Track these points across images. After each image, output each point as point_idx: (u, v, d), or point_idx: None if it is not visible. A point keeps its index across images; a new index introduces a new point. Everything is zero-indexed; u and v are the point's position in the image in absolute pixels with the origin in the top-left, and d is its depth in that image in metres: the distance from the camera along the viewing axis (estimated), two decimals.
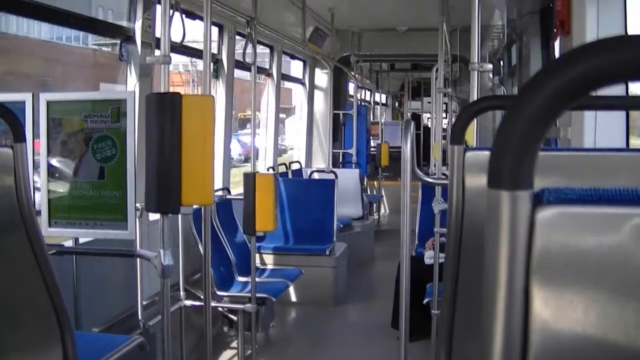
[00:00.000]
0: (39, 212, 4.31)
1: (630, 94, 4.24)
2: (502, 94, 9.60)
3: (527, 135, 0.76)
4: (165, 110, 3.89)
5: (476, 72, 4.16)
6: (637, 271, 0.85)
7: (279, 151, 9.63)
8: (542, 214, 0.83)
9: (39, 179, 4.50)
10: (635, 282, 0.86)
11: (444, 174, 6.27)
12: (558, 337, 0.86)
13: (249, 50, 6.46)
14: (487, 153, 2.33)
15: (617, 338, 0.86)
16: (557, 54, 6.43)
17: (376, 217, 14.16)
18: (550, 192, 0.84)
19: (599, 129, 4.26)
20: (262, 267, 8.22)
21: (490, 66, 4.55)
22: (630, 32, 4.51)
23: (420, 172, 4.06)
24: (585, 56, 0.74)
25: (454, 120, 13.95)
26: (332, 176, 10.32)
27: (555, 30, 5.46)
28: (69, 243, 4.85)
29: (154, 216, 5.39)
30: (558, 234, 0.84)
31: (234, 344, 6.88)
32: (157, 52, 4.32)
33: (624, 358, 0.87)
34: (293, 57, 11.46)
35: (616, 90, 3.86)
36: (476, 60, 4.14)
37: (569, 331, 0.86)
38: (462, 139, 2.24)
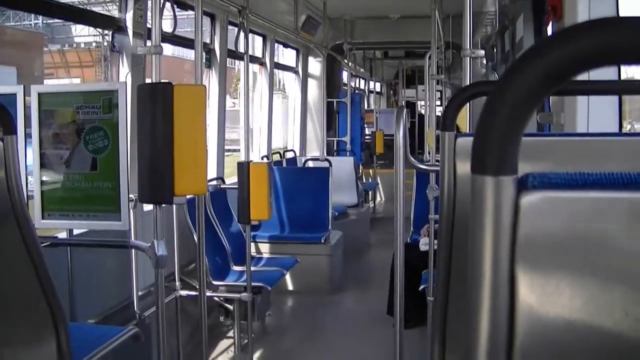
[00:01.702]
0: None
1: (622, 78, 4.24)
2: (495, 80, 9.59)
3: (511, 120, 0.76)
4: (157, 100, 3.88)
5: (468, 58, 4.16)
6: (623, 255, 0.85)
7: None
8: (526, 199, 0.82)
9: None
10: (621, 266, 0.85)
11: (438, 161, 6.26)
12: (544, 322, 0.86)
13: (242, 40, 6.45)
14: None
15: (603, 323, 0.86)
16: None
17: (372, 204, 14.17)
18: (535, 177, 0.84)
19: (592, 114, 4.26)
20: (257, 256, 8.22)
21: (482, 52, 4.55)
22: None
23: (413, 159, 4.07)
24: (568, 39, 0.73)
25: None
26: (326, 164, 10.32)
27: (547, 16, 5.45)
28: (62, 235, 4.84)
29: (148, 207, 5.39)
30: (543, 219, 0.83)
31: (230, 334, 6.89)
32: (148, 43, 4.30)
33: (610, 343, 0.87)
34: (286, 45, 11.43)
35: (608, 74, 3.86)
36: (468, 47, 4.14)
37: (555, 316, 0.86)
38: (453, 126, 2.24)
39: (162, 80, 4.03)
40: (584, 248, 0.85)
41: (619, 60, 0.73)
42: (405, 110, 3.50)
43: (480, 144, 0.78)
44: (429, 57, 7.64)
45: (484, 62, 10.59)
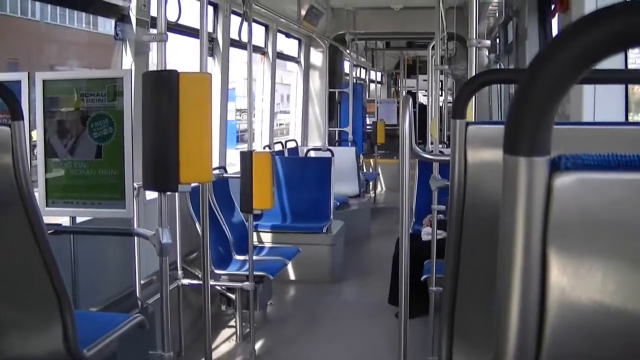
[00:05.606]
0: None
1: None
2: None
3: (545, 101, 0.75)
4: (162, 88, 3.86)
5: (474, 48, 4.15)
6: None
7: None
8: (559, 180, 0.82)
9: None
10: None
11: (440, 151, 6.25)
12: (576, 304, 0.85)
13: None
14: (489, 127, 2.32)
15: (635, 307, 0.85)
16: (554, 31, 6.40)
17: (372, 195, 14.16)
18: (568, 158, 0.83)
19: (598, 103, 4.24)
20: (259, 245, 8.22)
21: (488, 42, 4.54)
22: None
23: (418, 149, 4.05)
24: (600, 20, 0.72)
25: (449, 98, 13.97)
26: (328, 154, 10.32)
27: (552, 7, 5.44)
28: (66, 222, 4.83)
29: (150, 195, 5.38)
30: (575, 200, 0.83)
31: (232, 323, 6.88)
32: (152, 31, 4.28)
33: None
34: (288, 35, 11.40)
35: (615, 63, 3.84)
36: (474, 37, 4.13)
37: (586, 299, 0.85)
38: (464, 113, 2.22)
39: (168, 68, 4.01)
40: (618, 231, 0.84)
41: None
42: (410, 99, 3.49)
43: (513, 124, 0.77)
44: (432, 48, 7.62)
45: (487, 53, 10.57)
